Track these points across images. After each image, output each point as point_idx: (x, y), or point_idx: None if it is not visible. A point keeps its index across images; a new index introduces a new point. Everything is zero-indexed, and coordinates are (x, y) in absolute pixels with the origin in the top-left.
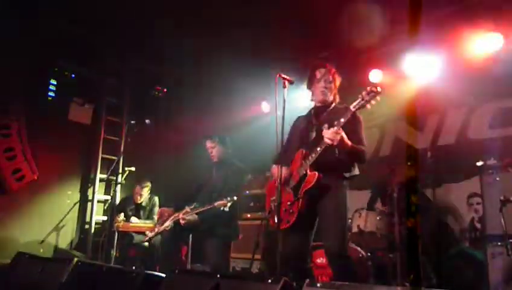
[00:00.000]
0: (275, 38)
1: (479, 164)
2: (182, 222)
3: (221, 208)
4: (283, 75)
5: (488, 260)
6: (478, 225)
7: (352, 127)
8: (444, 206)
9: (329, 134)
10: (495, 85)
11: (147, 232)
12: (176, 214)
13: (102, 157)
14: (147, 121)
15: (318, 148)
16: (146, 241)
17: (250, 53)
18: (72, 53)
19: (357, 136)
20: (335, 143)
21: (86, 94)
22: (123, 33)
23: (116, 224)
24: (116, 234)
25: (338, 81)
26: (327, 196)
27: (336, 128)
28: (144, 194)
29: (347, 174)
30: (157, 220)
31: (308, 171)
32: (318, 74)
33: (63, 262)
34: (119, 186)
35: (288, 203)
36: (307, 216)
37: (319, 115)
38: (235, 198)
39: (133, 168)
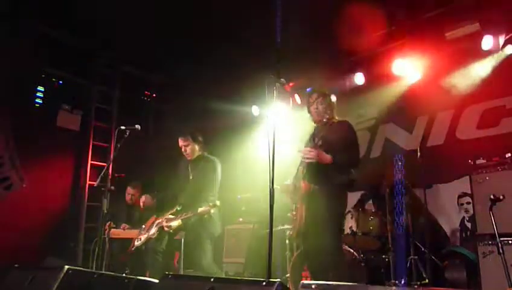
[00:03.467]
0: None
1: (469, 163)
2: (166, 229)
3: (205, 216)
4: (274, 77)
5: (479, 259)
6: (469, 225)
7: (337, 136)
8: (435, 207)
9: (303, 152)
10: (482, 86)
11: (136, 241)
12: (160, 220)
13: (91, 164)
14: (137, 126)
15: (305, 164)
16: (133, 250)
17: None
18: (59, 59)
19: (338, 145)
20: (313, 160)
21: (74, 100)
22: (111, 38)
23: (106, 231)
24: (107, 240)
25: (329, 100)
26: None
27: (309, 147)
28: (136, 195)
29: (336, 182)
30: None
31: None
32: (311, 99)
33: (54, 270)
34: (108, 193)
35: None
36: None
37: (317, 134)
38: (218, 203)
39: (122, 175)
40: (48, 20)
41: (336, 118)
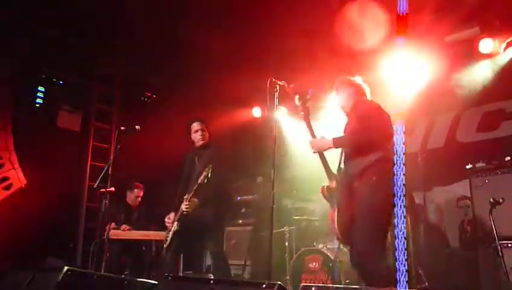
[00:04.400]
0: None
1: (468, 167)
2: (185, 210)
3: (204, 180)
4: (275, 80)
5: (479, 262)
6: (468, 228)
7: (350, 119)
8: (435, 210)
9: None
10: (482, 89)
11: (164, 243)
12: (178, 213)
13: (91, 165)
14: (137, 127)
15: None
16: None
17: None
18: (59, 60)
19: (350, 126)
20: (314, 151)
21: (74, 101)
22: (111, 39)
23: (106, 232)
24: (107, 241)
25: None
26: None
27: None
28: (138, 195)
29: (356, 170)
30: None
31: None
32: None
33: (53, 271)
34: (108, 194)
35: None
36: None
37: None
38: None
39: (112, 190)
40: (48, 19)
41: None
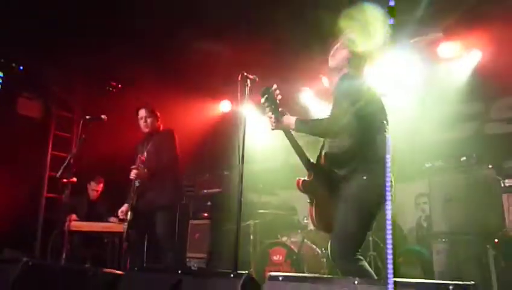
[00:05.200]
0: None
1: (428, 165)
2: (133, 176)
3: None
4: (246, 73)
5: (433, 256)
6: (424, 224)
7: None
8: (394, 205)
9: None
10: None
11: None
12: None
13: (52, 154)
14: (103, 116)
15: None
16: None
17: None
18: (20, 44)
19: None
20: (272, 128)
21: (35, 87)
22: (75, 25)
23: (67, 223)
24: (67, 233)
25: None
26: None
27: None
28: (99, 190)
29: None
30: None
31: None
32: None
33: (11, 262)
34: (70, 184)
35: None
36: None
37: None
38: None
39: (74, 180)
40: (8, 5)
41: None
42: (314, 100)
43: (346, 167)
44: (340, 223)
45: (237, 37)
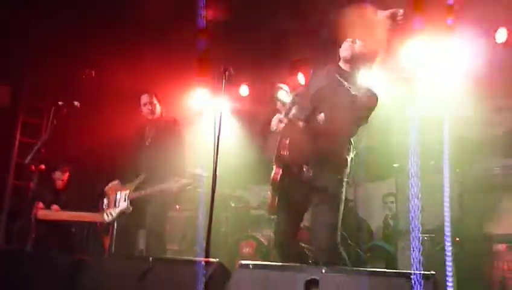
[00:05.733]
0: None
1: (395, 165)
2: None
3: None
4: (225, 67)
5: (398, 253)
6: (391, 222)
7: None
8: (363, 204)
9: None
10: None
11: (106, 217)
12: (126, 192)
13: (20, 141)
14: (76, 103)
15: None
16: (105, 227)
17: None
18: None
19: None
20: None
21: (3, 71)
22: (47, 8)
23: (34, 211)
24: (33, 221)
25: None
26: None
27: None
28: (65, 179)
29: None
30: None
31: None
32: None
33: None
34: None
35: None
36: None
37: None
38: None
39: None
40: None
41: None
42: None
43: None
44: (326, 216)
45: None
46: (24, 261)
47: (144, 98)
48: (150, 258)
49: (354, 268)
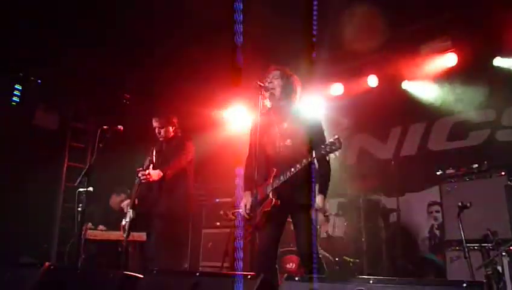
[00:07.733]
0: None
1: (439, 173)
2: (142, 178)
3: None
4: (260, 83)
5: (446, 264)
6: (437, 232)
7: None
8: (407, 215)
9: None
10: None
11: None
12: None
13: (68, 165)
14: (119, 126)
15: None
16: (124, 241)
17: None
18: (38, 58)
19: None
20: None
21: (52, 99)
22: (90, 38)
23: (83, 232)
24: (83, 242)
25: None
26: None
27: None
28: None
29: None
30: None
31: None
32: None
33: (34, 267)
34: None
35: None
36: None
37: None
38: None
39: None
40: (28, 19)
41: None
42: None
43: None
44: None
45: None
46: (77, 278)
47: (154, 123)
48: (197, 273)
49: (402, 278)
